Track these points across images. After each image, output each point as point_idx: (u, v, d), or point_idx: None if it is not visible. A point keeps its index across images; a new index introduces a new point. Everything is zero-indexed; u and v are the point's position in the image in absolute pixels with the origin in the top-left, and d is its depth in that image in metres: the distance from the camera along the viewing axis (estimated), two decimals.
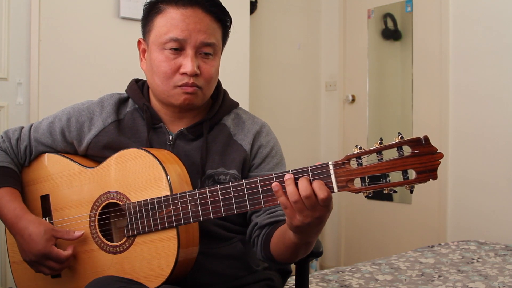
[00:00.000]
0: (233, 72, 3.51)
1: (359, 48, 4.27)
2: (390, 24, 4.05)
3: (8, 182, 1.54)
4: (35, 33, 2.86)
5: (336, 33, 4.44)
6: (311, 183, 1.18)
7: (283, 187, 1.21)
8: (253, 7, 3.97)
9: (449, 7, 3.58)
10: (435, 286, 2.23)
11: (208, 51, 1.47)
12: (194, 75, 1.44)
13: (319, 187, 1.18)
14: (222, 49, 1.56)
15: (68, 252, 1.45)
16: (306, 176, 1.20)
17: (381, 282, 2.30)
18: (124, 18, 3.10)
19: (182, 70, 1.44)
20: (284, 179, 1.21)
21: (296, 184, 1.19)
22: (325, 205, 1.19)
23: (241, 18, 3.63)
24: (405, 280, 2.32)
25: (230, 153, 1.54)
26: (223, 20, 1.51)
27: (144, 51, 1.55)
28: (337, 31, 4.43)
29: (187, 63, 1.43)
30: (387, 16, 4.06)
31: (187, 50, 1.44)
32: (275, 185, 1.21)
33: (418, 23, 3.84)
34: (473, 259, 2.69)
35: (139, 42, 1.57)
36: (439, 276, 2.37)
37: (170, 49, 1.44)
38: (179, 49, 1.44)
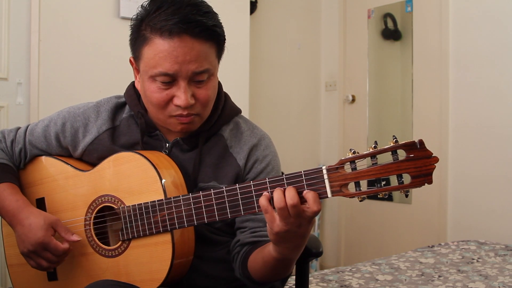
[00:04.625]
0: (233, 72, 3.51)
1: (359, 48, 4.27)
2: (390, 24, 4.05)
3: (8, 178, 1.54)
4: (35, 33, 2.86)
5: (336, 33, 4.44)
6: (299, 192, 1.18)
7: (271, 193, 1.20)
8: (253, 7, 3.97)
9: (449, 7, 3.58)
10: (435, 286, 2.23)
11: (202, 79, 1.38)
12: (188, 106, 1.38)
13: (314, 199, 1.16)
14: (219, 62, 1.47)
15: (65, 245, 1.43)
16: (294, 186, 1.19)
17: (381, 282, 2.30)
18: (124, 18, 3.10)
19: (175, 102, 1.37)
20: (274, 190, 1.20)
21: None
22: (312, 216, 1.18)
23: (241, 18, 3.63)
24: (405, 280, 2.32)
25: (224, 167, 1.50)
26: (216, 39, 1.40)
27: (137, 70, 1.47)
28: (337, 31, 4.43)
29: (180, 96, 1.36)
30: (387, 16, 4.05)
31: (179, 81, 1.36)
32: (265, 194, 1.20)
33: (418, 23, 3.83)
34: (473, 259, 2.69)
35: (130, 61, 1.49)
36: (439, 276, 2.37)
37: (161, 81, 1.36)
38: (170, 82, 1.37)
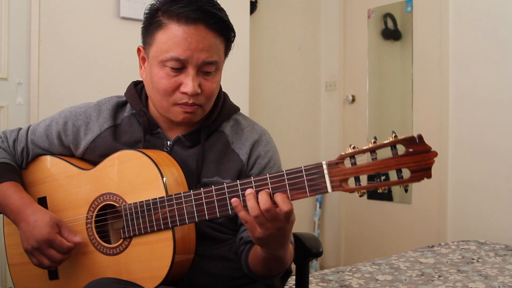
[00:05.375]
0: (233, 72, 3.50)
1: (359, 48, 4.27)
2: (390, 24, 4.05)
3: (11, 177, 1.54)
4: (35, 33, 2.86)
5: (336, 33, 4.44)
6: (271, 196, 1.21)
7: (243, 201, 1.23)
8: (253, 7, 3.97)
9: (449, 7, 3.58)
10: (435, 286, 2.23)
11: (210, 70, 1.42)
12: (195, 94, 1.41)
13: (282, 200, 1.20)
14: (224, 60, 1.51)
15: (70, 244, 1.43)
16: (267, 190, 1.22)
17: (381, 282, 2.30)
18: (124, 18, 3.11)
19: (182, 90, 1.40)
20: (245, 193, 1.23)
21: (257, 198, 1.22)
22: (287, 217, 1.21)
23: (241, 18, 3.63)
24: (405, 280, 2.32)
25: (226, 162, 1.52)
26: (226, 35, 1.46)
27: (143, 59, 1.51)
28: (337, 31, 4.43)
29: (188, 83, 1.39)
30: (387, 16, 4.06)
31: (189, 69, 1.39)
32: (234, 200, 1.24)
33: (418, 23, 3.83)
34: (473, 259, 2.68)
35: (138, 49, 1.52)
36: (439, 276, 2.37)
37: (171, 67, 1.40)
38: (180, 68, 1.40)
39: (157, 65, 1.42)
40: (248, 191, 1.22)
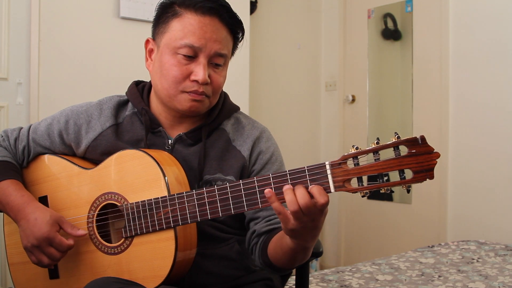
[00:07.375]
0: (233, 72, 3.48)
1: (359, 48, 4.27)
2: (390, 24, 4.05)
3: (11, 175, 1.55)
4: (35, 33, 2.86)
5: (336, 33, 4.44)
6: (307, 189, 1.19)
7: (276, 193, 1.21)
8: (253, 7, 3.97)
9: (449, 7, 3.58)
10: (435, 286, 2.23)
11: (220, 62, 1.47)
12: (205, 83, 1.44)
13: (319, 192, 1.18)
14: (230, 58, 1.56)
15: (70, 242, 1.44)
16: (303, 184, 1.20)
17: (381, 282, 2.30)
18: (124, 18, 3.10)
19: (193, 78, 1.43)
20: (284, 189, 1.21)
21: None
22: (322, 209, 1.19)
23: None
24: (405, 280, 2.33)
25: (228, 159, 1.53)
26: (236, 33, 1.52)
27: (151, 51, 1.54)
28: (337, 31, 4.43)
29: (199, 71, 1.43)
30: (387, 16, 4.06)
31: (200, 58, 1.44)
32: (268, 191, 1.21)
33: (418, 23, 3.84)
34: (473, 259, 2.69)
35: (147, 41, 1.55)
36: (439, 276, 2.38)
37: (184, 55, 1.43)
38: (192, 56, 1.44)
39: (169, 53, 1.45)
40: (286, 186, 1.20)
